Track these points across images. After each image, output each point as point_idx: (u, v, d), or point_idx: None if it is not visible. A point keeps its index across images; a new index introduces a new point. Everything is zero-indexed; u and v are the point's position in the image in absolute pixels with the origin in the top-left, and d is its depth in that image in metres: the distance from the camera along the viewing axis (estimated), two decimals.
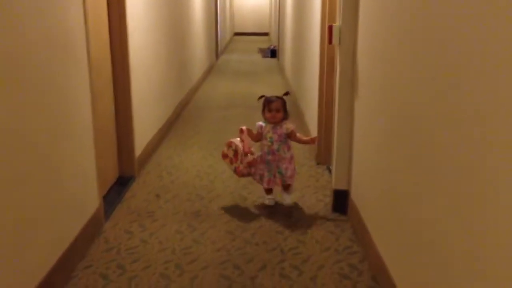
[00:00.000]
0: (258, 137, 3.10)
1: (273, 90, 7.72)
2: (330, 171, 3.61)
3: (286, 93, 3.13)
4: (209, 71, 9.68)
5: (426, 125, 1.70)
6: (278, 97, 3.06)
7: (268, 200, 3.17)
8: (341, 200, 3.04)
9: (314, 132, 4.19)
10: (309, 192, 3.41)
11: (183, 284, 2.29)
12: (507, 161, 1.18)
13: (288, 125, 3.05)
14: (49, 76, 2.19)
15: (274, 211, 3.10)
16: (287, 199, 3.17)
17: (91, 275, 2.36)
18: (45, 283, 2.09)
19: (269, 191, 3.17)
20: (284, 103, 3.05)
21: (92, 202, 2.73)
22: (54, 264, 2.20)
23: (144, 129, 4.02)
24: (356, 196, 2.83)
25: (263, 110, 3.06)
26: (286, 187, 3.17)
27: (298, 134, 3.12)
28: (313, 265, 2.46)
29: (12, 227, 1.86)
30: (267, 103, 3.04)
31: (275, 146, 3.03)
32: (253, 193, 3.36)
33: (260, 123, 3.10)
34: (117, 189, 3.43)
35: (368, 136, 2.58)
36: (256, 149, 3.20)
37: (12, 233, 1.86)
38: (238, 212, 3.10)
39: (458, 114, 1.45)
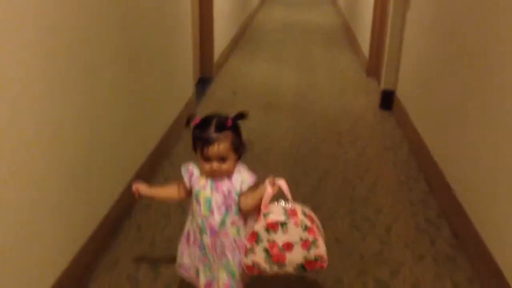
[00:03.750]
0: (182, 192, 1.58)
1: (325, 18, 8.20)
2: (379, 81, 4.21)
3: (241, 115, 1.52)
4: (264, 0, 10.12)
5: (464, 30, 2.28)
6: (223, 125, 1.45)
7: None
8: (387, 99, 3.67)
9: (366, 51, 4.74)
10: (359, 95, 4.05)
11: (261, 151, 3.01)
12: None
13: (245, 175, 1.50)
14: None
15: (326, 108, 3.77)
16: None
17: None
18: (162, 145, 2.84)
19: None
20: (236, 134, 1.50)
21: (189, 88, 3.47)
22: (165, 131, 2.95)
23: (219, 39, 4.69)
24: (401, 94, 3.45)
25: (194, 148, 1.48)
26: None
27: (260, 191, 1.44)
28: (362, 141, 3.14)
29: (141, 102, 2.60)
30: (202, 143, 1.43)
31: (217, 218, 1.50)
32: (314, 101, 4.03)
33: (190, 166, 1.54)
34: (200, 86, 4.16)
35: (416, 42, 3.15)
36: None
37: (140, 108, 2.60)
38: (300, 105, 3.79)
39: (494, 28, 2.02)
